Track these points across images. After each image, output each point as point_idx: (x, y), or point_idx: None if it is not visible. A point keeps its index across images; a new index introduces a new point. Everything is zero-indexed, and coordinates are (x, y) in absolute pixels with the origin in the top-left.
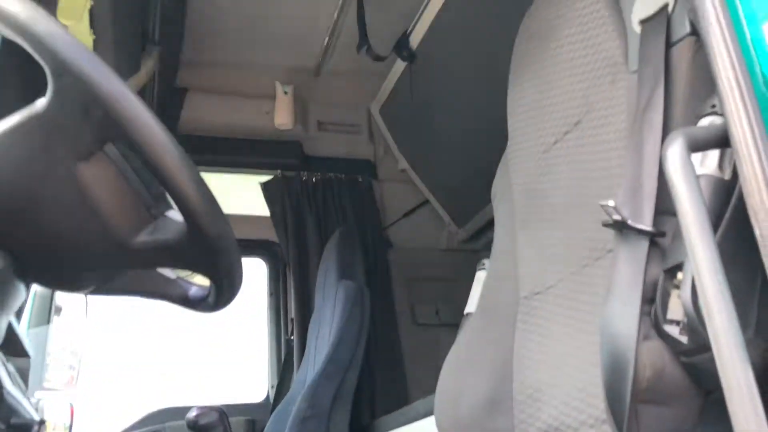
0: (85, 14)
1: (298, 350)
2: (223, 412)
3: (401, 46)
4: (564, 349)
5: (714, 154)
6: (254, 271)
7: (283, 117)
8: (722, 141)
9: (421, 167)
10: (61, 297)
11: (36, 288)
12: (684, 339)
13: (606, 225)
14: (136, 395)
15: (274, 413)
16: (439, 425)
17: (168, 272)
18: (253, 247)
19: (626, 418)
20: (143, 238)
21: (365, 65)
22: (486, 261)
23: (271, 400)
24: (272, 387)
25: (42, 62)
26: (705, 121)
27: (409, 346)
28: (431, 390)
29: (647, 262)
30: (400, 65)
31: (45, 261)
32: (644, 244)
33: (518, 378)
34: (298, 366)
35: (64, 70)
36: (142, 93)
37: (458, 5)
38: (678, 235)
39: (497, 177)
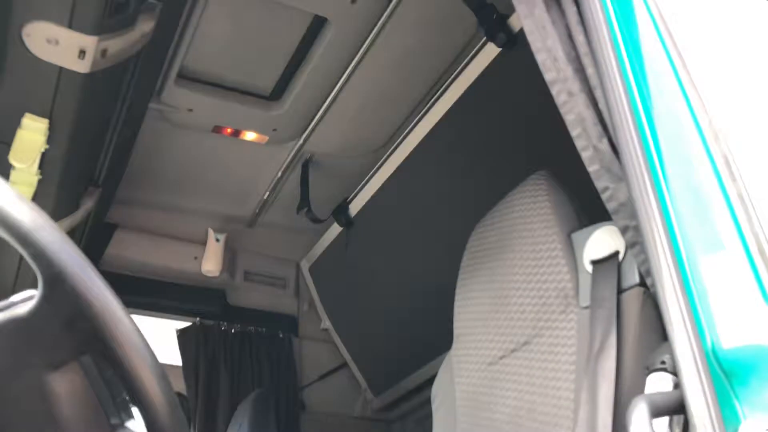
0: (38, 157)
1: None
2: None
3: (340, 212)
4: None
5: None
6: None
7: (211, 264)
8: (678, 408)
9: (343, 328)
10: None
11: None
12: None
13: None
14: None
15: None
16: None
17: None
18: None
19: None
20: None
21: (301, 222)
22: None
23: None
24: None
25: (36, 268)
26: (655, 377)
27: None
28: None
29: None
30: (335, 228)
31: None
32: None
33: None
34: None
35: (58, 280)
36: (73, 229)
37: (400, 182)
38: None
39: (440, 376)
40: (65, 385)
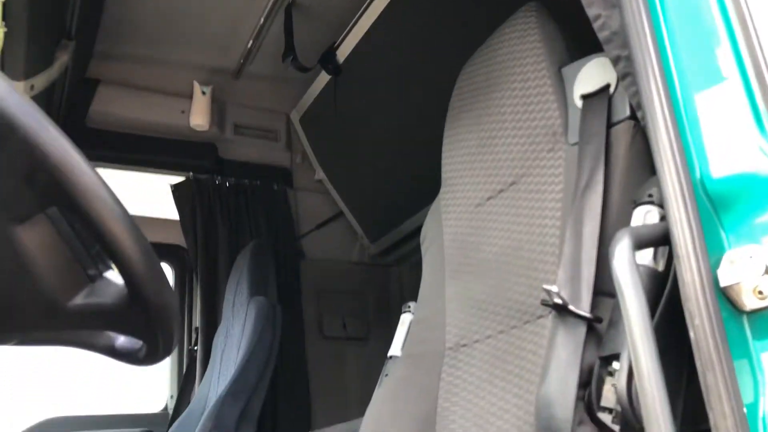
0: None
1: (201, 361)
2: None
3: (327, 59)
4: (489, 409)
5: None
6: None
7: (199, 118)
8: (663, 240)
9: (337, 179)
10: None
11: None
12: (616, 428)
13: (545, 304)
14: (27, 402)
15: (174, 425)
16: None
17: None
18: (159, 252)
19: None
20: (78, 301)
21: (288, 72)
22: (412, 304)
23: (170, 411)
24: (171, 397)
25: None
26: (641, 210)
27: (315, 358)
28: (334, 407)
29: (584, 348)
30: (324, 77)
31: None
32: (582, 329)
33: (441, 430)
34: (201, 378)
35: (10, 132)
36: (52, 85)
37: (387, 25)
38: (614, 322)
39: (428, 220)
40: (34, 238)
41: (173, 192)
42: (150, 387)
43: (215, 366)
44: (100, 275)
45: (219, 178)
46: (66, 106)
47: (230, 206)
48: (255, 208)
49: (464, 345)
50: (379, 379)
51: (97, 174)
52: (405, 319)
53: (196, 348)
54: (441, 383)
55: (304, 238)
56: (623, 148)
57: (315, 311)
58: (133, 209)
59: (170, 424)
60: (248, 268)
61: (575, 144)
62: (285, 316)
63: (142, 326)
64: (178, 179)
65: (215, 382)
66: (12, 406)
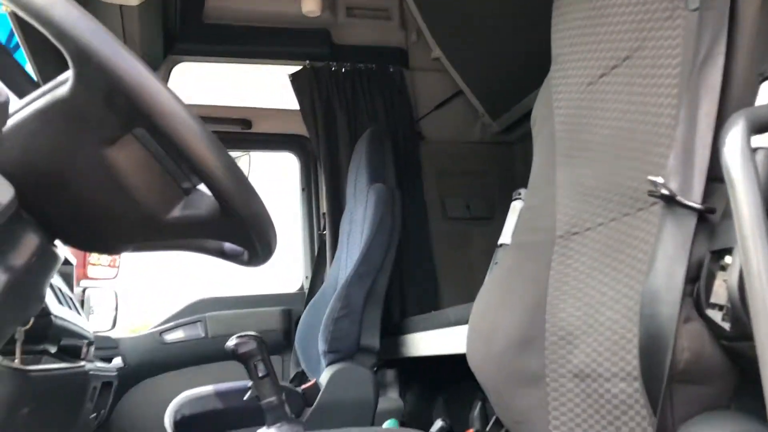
0: None
1: (330, 245)
2: (262, 341)
3: None
4: (599, 298)
5: None
6: (288, 166)
7: (310, 3)
8: None
9: (455, 56)
10: None
11: None
12: (726, 326)
13: (652, 195)
14: (176, 285)
15: (309, 305)
16: (471, 361)
17: None
18: (284, 142)
19: (661, 396)
20: (176, 213)
21: None
22: (523, 191)
23: (306, 291)
24: (306, 278)
25: (62, 48)
26: None
27: (439, 240)
28: (460, 285)
29: (693, 241)
30: None
31: (80, 232)
32: (692, 221)
33: (551, 319)
34: (331, 259)
35: (85, 57)
36: None
37: None
38: (729, 212)
39: (538, 101)
40: (124, 158)
41: (292, 81)
42: (288, 270)
43: (343, 248)
44: (193, 188)
45: (334, 64)
46: (182, 3)
47: (347, 92)
48: (372, 92)
49: (575, 233)
50: (490, 267)
51: (172, 94)
52: (515, 206)
53: (324, 232)
54: (551, 272)
55: (423, 119)
56: (752, 13)
57: (437, 193)
58: (257, 102)
59: (306, 303)
60: (366, 155)
61: (696, 9)
62: (406, 199)
63: (237, 234)
64: (295, 69)
65: (343, 263)
66: (166, 289)
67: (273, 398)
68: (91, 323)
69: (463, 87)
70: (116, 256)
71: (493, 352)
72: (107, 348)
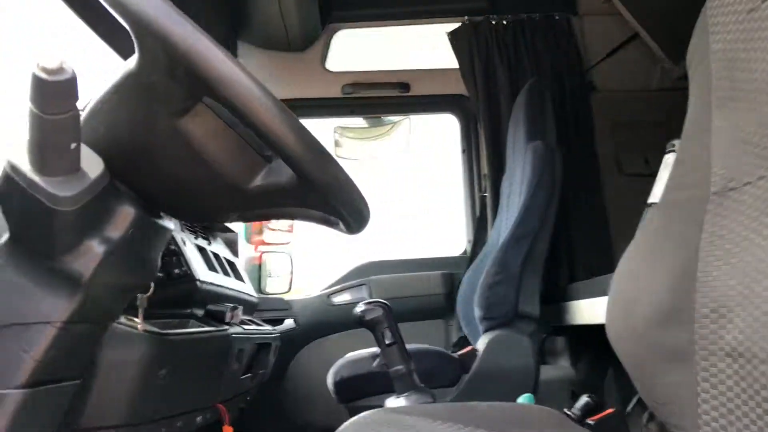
0: None
1: (491, 207)
2: (388, 307)
3: None
4: (757, 265)
5: None
6: (448, 127)
7: None
8: None
9: None
10: None
11: None
12: None
13: None
14: (344, 248)
15: (469, 269)
16: (609, 332)
17: None
18: (443, 103)
19: None
20: (258, 182)
21: None
22: (676, 142)
23: (468, 254)
24: (469, 242)
25: (123, 22)
26: None
27: (614, 198)
28: None
29: None
30: None
31: (173, 203)
32: None
33: (702, 288)
34: (492, 222)
35: (142, 28)
36: None
37: None
38: None
39: (693, 38)
40: (198, 128)
41: (450, 40)
42: (451, 233)
43: (503, 210)
44: (274, 155)
45: (494, 18)
46: None
47: (508, 46)
48: (535, 44)
49: (732, 189)
50: (638, 229)
51: (234, 61)
52: (668, 159)
53: (485, 194)
54: (702, 235)
55: (594, 69)
56: None
57: (611, 148)
58: (415, 64)
59: (467, 266)
60: (524, 112)
61: None
62: (576, 156)
63: (319, 202)
64: (453, 26)
65: (503, 226)
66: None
67: (401, 366)
68: (268, 286)
69: (638, 30)
70: (291, 221)
71: (633, 324)
72: (281, 309)
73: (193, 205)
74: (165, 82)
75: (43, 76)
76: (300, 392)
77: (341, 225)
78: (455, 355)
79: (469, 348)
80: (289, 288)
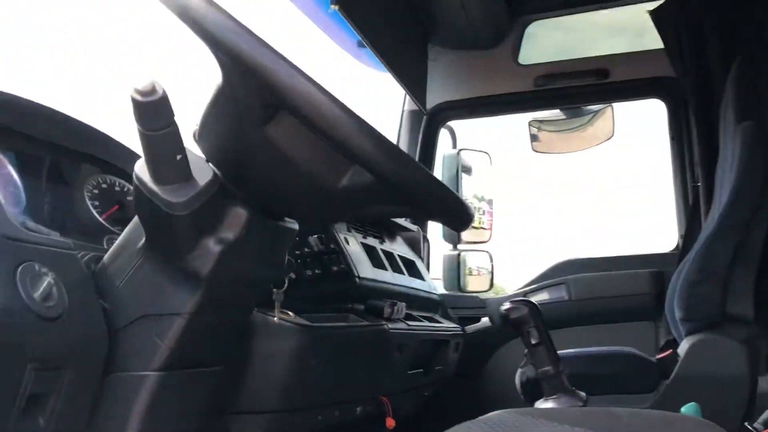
0: None
1: (704, 197)
2: (535, 307)
3: None
4: None
5: None
6: (653, 113)
7: None
8: None
9: None
10: (466, 154)
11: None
12: None
13: None
14: (542, 245)
15: (678, 268)
16: None
17: None
18: (647, 87)
19: None
20: (345, 183)
21: None
22: None
23: (680, 250)
24: (681, 237)
25: (199, 38)
26: None
27: None
28: None
29: None
30: None
31: (278, 206)
32: None
33: None
34: (706, 214)
35: (214, 46)
36: None
37: None
38: None
39: None
40: (283, 134)
41: (653, 18)
42: (660, 228)
43: (716, 200)
44: None
45: None
46: None
47: (720, 18)
48: (753, 13)
49: None
50: None
51: (300, 73)
52: None
53: (698, 184)
54: None
55: None
56: None
57: None
58: (612, 47)
59: (678, 263)
60: (734, 89)
61: None
62: None
63: (407, 202)
64: (654, 4)
65: (715, 218)
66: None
67: (548, 368)
68: (469, 284)
69: None
70: (489, 219)
71: None
72: (476, 308)
73: (294, 206)
74: (244, 94)
75: (139, 98)
76: (495, 392)
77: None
78: (654, 359)
79: (668, 352)
80: (490, 286)
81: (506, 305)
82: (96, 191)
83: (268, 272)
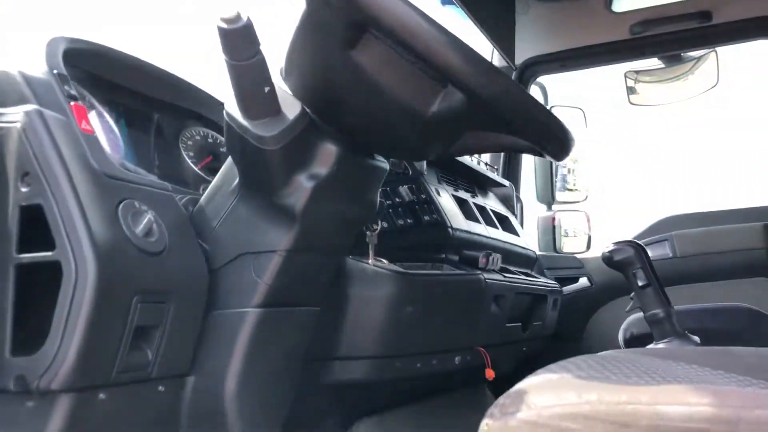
0: None
1: None
2: (641, 247)
3: None
4: None
5: None
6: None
7: None
8: None
9: None
10: (559, 111)
11: None
12: None
13: None
14: (642, 204)
15: None
16: None
17: None
18: (755, 27)
19: None
20: (435, 108)
21: None
22: None
23: None
24: None
25: None
26: None
27: None
28: None
29: None
30: None
31: (368, 137)
32: None
33: None
34: None
35: None
36: None
37: None
38: None
39: None
40: (369, 58)
41: None
42: None
43: None
44: (446, 85)
45: None
46: None
47: None
48: None
49: None
50: None
51: None
52: None
53: None
54: None
55: None
56: None
57: None
58: None
59: None
60: None
61: None
62: None
63: (502, 123)
64: None
65: None
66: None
67: (658, 310)
68: (565, 246)
69: None
70: (587, 180)
71: None
72: (574, 267)
73: (384, 138)
74: (329, 16)
75: (225, 26)
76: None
77: (546, 149)
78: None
79: None
80: (588, 247)
81: (610, 247)
82: (190, 143)
83: (360, 212)
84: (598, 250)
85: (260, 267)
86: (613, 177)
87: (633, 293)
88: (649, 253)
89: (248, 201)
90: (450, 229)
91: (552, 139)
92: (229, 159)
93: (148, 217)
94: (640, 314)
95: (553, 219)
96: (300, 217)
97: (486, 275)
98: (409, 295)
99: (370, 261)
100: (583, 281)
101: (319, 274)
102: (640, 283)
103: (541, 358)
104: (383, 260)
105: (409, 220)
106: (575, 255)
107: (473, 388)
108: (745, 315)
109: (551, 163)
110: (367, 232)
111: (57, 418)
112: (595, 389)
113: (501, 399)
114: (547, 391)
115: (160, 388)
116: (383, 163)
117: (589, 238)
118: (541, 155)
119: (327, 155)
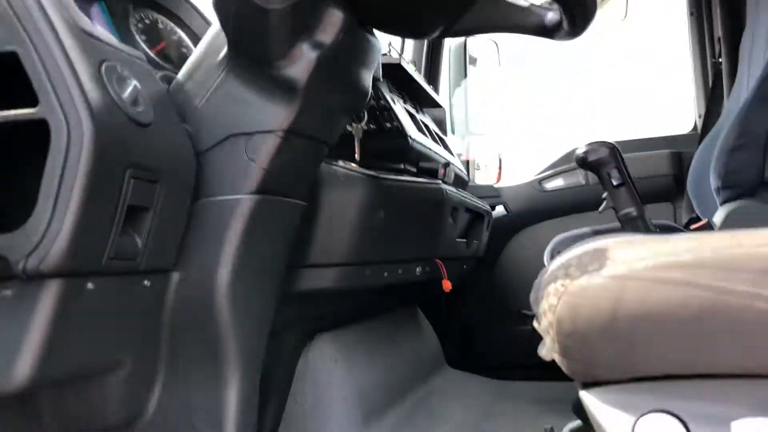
0: None
1: (727, 73)
2: (615, 148)
3: None
4: None
5: None
6: None
7: None
8: None
9: None
10: (474, 48)
11: (450, 42)
12: None
13: None
14: (555, 134)
15: (701, 144)
16: None
17: (520, 1)
18: None
19: None
20: None
21: None
22: None
23: (699, 131)
24: (699, 116)
25: None
26: None
27: None
28: None
29: None
30: None
31: (379, 10)
32: None
33: None
34: (728, 91)
35: None
36: None
37: None
38: None
39: None
40: None
41: None
42: (676, 108)
43: (744, 72)
44: None
45: None
46: None
47: None
48: None
49: None
50: None
51: None
52: None
53: (720, 60)
54: None
55: None
56: None
57: None
58: None
59: (699, 143)
60: None
61: None
62: None
63: None
64: None
65: (744, 89)
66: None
67: (631, 209)
68: (477, 178)
69: None
70: (498, 114)
71: None
72: (491, 197)
73: (398, 12)
74: None
75: None
76: (512, 279)
77: (564, 24)
78: (688, 230)
79: (703, 221)
80: (498, 180)
81: (583, 148)
82: (140, 26)
83: (354, 98)
84: (510, 182)
85: (254, 149)
86: (524, 108)
87: (605, 193)
88: (563, 182)
89: (239, 74)
90: (410, 138)
91: (585, 15)
92: (212, 28)
93: (134, 83)
94: (567, 235)
95: (468, 154)
96: (303, 90)
97: (445, 187)
98: (379, 199)
99: (356, 155)
100: (500, 209)
101: (308, 164)
102: (614, 183)
103: (468, 288)
104: (352, 164)
105: (371, 126)
106: (492, 184)
107: (410, 307)
108: (667, 231)
109: (466, 95)
110: (353, 124)
111: (42, 310)
112: (691, 239)
113: (573, 259)
114: (635, 245)
115: (146, 282)
116: (379, 44)
117: (500, 171)
118: (548, 35)
119: (333, 21)
